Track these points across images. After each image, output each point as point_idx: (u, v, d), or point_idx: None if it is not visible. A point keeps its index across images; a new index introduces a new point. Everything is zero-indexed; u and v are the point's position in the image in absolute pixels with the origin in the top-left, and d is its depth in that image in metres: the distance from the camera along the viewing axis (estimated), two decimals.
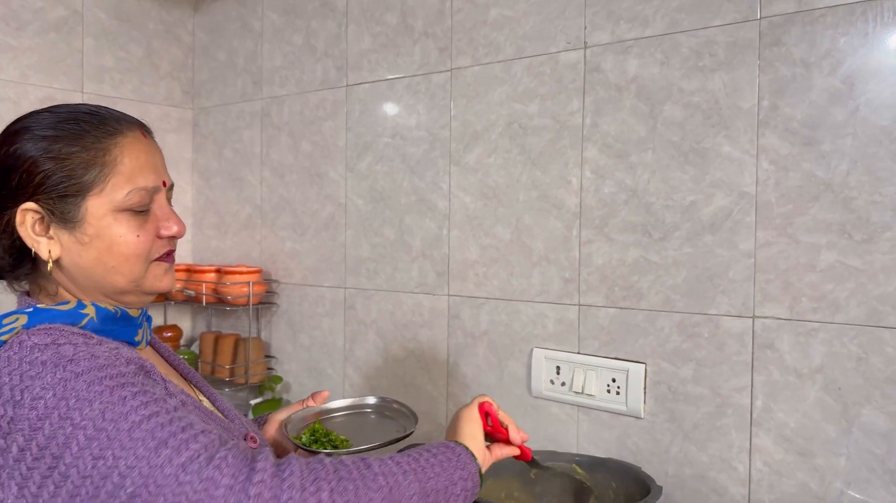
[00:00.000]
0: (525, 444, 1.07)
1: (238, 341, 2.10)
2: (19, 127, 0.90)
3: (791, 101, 1.26)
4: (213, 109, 2.27)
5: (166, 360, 1.09)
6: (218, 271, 2.11)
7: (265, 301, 2.11)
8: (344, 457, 0.84)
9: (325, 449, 1.09)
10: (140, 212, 0.92)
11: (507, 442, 1.04)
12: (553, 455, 1.37)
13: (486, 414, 1.02)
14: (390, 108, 1.82)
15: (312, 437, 1.12)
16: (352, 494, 0.79)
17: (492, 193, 1.63)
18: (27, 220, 0.89)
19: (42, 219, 0.89)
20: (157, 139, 0.99)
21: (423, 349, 1.77)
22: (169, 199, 0.98)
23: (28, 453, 0.76)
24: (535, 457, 1.11)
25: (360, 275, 1.89)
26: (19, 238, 0.89)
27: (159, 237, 0.94)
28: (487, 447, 1.02)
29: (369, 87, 1.86)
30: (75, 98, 2.04)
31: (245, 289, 2.03)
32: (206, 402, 1.05)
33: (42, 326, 0.85)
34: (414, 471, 0.86)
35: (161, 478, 0.73)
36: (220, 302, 2.09)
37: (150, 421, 0.77)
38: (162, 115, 2.26)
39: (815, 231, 1.24)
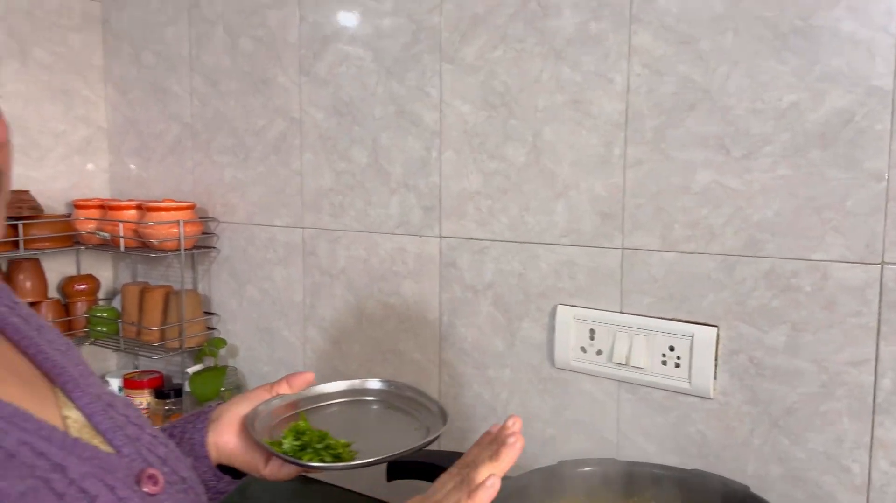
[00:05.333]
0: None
1: (169, 295, 1.68)
2: None
3: None
4: (128, 1, 1.79)
5: (17, 346, 0.68)
6: (139, 208, 1.67)
7: (201, 245, 1.69)
8: None
9: (324, 460, 0.75)
10: None
11: None
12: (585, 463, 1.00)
13: None
14: None
15: (298, 443, 0.77)
16: None
17: (499, 100, 1.22)
18: None
19: None
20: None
21: (407, 306, 1.38)
22: None
23: None
24: None
25: (323, 212, 1.48)
26: None
27: None
28: None
29: None
30: None
31: (174, 229, 1.60)
32: (73, 418, 0.64)
33: None
34: None
35: None
36: (143, 246, 1.66)
37: None
38: (61, 9, 1.75)
39: None
